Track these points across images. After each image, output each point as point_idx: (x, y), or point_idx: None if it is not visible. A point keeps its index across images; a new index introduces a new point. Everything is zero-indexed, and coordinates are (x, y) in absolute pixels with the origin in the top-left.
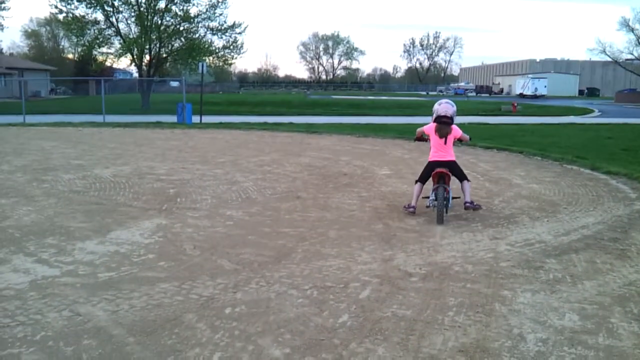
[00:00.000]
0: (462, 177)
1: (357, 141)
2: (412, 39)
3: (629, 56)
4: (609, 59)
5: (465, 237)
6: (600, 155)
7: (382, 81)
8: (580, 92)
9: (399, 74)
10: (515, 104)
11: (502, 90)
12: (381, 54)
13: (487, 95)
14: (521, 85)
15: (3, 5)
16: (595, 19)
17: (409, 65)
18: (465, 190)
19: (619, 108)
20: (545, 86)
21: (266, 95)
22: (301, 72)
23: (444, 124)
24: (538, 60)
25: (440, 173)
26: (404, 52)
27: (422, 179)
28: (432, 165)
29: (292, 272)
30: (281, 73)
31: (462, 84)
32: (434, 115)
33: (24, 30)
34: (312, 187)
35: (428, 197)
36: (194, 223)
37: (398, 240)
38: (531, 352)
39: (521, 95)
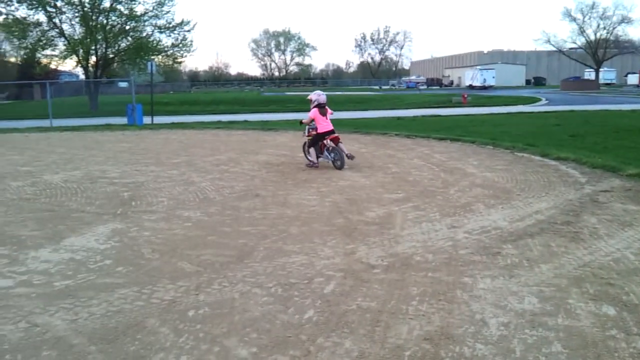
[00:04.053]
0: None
1: None
2: (363, 34)
3: (572, 45)
4: (554, 49)
5: (424, 227)
6: (549, 142)
7: (335, 76)
8: (527, 81)
9: (351, 69)
10: (466, 95)
11: (452, 83)
12: (333, 50)
13: (438, 87)
14: (470, 77)
15: None
16: (539, 9)
17: (361, 60)
18: (342, 147)
19: (564, 96)
20: (493, 77)
21: (218, 93)
22: (254, 70)
23: (324, 107)
24: (486, 51)
25: (333, 138)
26: (356, 47)
27: (315, 144)
28: (323, 135)
29: (255, 271)
30: (233, 71)
31: (414, 77)
32: (315, 103)
33: None
34: (270, 185)
35: (319, 157)
36: (151, 226)
37: (359, 234)
38: (494, 336)
39: (470, 87)
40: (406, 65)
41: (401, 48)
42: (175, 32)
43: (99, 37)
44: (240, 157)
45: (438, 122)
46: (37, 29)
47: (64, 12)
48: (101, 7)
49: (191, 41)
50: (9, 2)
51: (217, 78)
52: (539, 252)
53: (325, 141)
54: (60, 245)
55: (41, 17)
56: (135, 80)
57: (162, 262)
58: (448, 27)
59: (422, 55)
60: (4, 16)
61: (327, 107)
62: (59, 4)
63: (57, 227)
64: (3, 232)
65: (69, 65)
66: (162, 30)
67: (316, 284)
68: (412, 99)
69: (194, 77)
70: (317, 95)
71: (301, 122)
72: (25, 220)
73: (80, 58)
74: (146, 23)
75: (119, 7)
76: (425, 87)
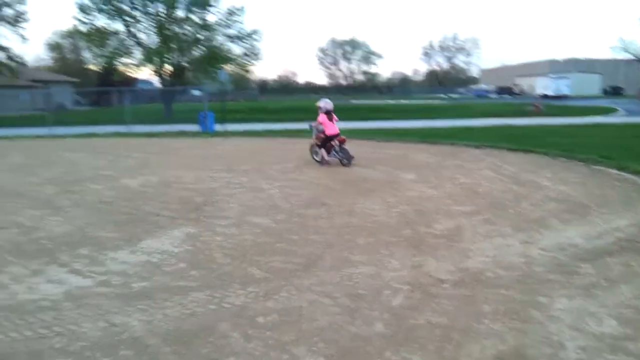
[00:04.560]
0: (343, 142)
1: (380, 146)
2: (431, 42)
3: None
4: (632, 57)
5: (495, 242)
6: (627, 155)
7: (401, 85)
8: (604, 91)
9: (418, 77)
10: (538, 105)
11: (524, 91)
12: (400, 58)
13: (509, 96)
14: (543, 86)
15: (23, 16)
16: (616, 16)
17: (428, 68)
18: (348, 150)
19: None
20: (568, 86)
21: (286, 102)
22: (321, 78)
23: (331, 113)
24: (559, 59)
25: (340, 140)
26: (423, 55)
27: (324, 146)
28: (331, 137)
29: (322, 280)
30: (301, 79)
31: (483, 85)
32: (323, 110)
33: (48, 43)
34: (337, 193)
35: (328, 155)
36: (222, 231)
37: (427, 246)
38: (571, 359)
39: (544, 96)
40: (475, 73)
41: (470, 56)
42: (245, 41)
43: (174, 47)
44: (306, 165)
45: (509, 133)
46: (115, 38)
47: (141, 22)
48: (176, 17)
49: (260, 50)
50: (90, 13)
51: (285, 87)
52: (618, 271)
53: (333, 142)
54: (137, 248)
55: (119, 26)
56: (207, 89)
57: (232, 267)
58: (519, 34)
59: (492, 63)
60: (86, 26)
61: (333, 113)
62: (136, 14)
63: (134, 230)
64: (84, 233)
65: (145, 73)
66: (232, 39)
67: (384, 296)
68: (482, 108)
69: (263, 86)
70: (325, 103)
71: (309, 126)
72: (105, 223)
73: (156, 66)
74: (218, 33)
75: (192, 17)
76: (495, 95)
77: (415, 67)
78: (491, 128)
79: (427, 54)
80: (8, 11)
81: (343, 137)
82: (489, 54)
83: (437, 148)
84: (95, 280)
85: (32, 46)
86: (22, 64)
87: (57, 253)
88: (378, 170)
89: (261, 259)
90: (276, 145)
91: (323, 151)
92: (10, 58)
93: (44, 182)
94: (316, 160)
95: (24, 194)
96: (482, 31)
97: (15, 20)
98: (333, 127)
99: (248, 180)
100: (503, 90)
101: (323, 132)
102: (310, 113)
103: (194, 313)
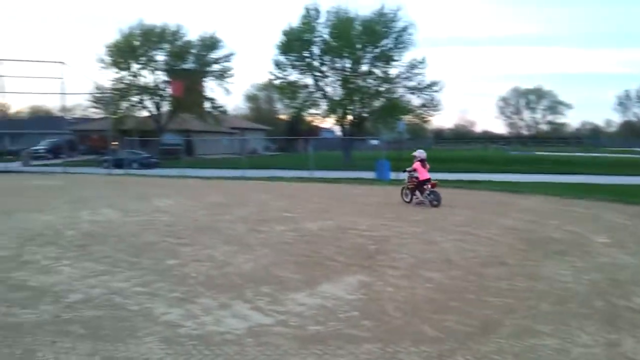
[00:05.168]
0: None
1: (566, 203)
2: (627, 91)
3: None
4: None
5: None
6: None
7: (592, 136)
8: None
9: (612, 129)
10: None
11: None
12: (591, 108)
13: None
14: None
15: (228, 72)
16: None
17: (624, 118)
18: (438, 192)
19: None
20: None
21: (461, 151)
22: (500, 127)
23: (424, 162)
24: None
25: (432, 184)
26: (618, 104)
27: (418, 189)
28: (424, 181)
29: (500, 348)
30: (478, 128)
31: None
32: (418, 158)
33: (246, 94)
34: (517, 253)
35: (417, 197)
36: (395, 282)
37: (625, 322)
38: None
39: None
40: None
41: None
42: (425, 92)
43: (356, 98)
44: (482, 218)
45: None
46: (305, 91)
47: (328, 76)
48: (360, 71)
49: (440, 101)
50: (284, 69)
51: (461, 136)
52: None
53: (425, 186)
54: (314, 291)
55: (309, 80)
56: (384, 138)
57: (404, 322)
58: None
59: None
60: (279, 80)
61: (425, 162)
62: (324, 69)
63: (312, 273)
64: (268, 272)
65: (328, 122)
66: (412, 91)
67: None
68: None
69: (439, 135)
70: (419, 153)
71: (404, 171)
72: (286, 263)
73: (338, 117)
74: (398, 85)
75: (375, 71)
76: None
77: (608, 117)
78: None
79: (622, 104)
80: (216, 67)
81: (434, 181)
82: None
83: (635, 209)
84: (275, 319)
85: (232, 97)
86: (224, 112)
87: (243, 289)
88: (564, 230)
89: (434, 317)
90: (447, 196)
91: (418, 193)
92: (214, 107)
93: (236, 220)
94: (405, 201)
95: (219, 230)
96: None
97: (221, 76)
98: (425, 173)
99: (420, 231)
100: None
101: (417, 177)
102: (484, 164)
103: None
